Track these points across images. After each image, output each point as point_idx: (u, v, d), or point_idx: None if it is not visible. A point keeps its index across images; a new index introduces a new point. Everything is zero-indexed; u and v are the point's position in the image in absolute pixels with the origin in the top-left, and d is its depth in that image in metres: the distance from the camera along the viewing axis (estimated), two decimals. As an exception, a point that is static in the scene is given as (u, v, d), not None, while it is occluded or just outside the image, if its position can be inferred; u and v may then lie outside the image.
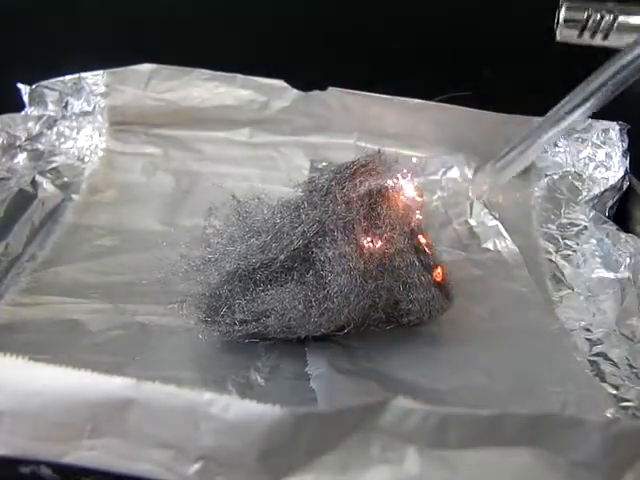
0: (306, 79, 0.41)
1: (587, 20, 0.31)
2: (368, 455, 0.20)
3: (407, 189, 0.30)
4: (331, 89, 0.41)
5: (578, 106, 0.35)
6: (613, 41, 0.32)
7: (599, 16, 0.31)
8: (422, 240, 0.29)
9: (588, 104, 0.34)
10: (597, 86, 0.33)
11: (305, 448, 0.20)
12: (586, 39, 0.32)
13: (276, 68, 0.41)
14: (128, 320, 0.31)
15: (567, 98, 0.35)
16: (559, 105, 0.36)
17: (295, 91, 0.42)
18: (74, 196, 0.40)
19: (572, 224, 0.39)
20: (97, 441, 0.20)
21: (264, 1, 0.45)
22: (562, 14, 0.31)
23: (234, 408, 0.20)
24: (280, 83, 0.42)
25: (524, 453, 0.19)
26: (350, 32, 0.44)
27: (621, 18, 0.31)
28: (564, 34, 0.32)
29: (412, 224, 0.29)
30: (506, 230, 0.38)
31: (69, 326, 0.30)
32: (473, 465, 0.19)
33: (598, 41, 0.32)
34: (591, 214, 0.38)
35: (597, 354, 0.30)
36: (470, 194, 0.39)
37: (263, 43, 0.44)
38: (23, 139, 0.41)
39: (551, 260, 0.37)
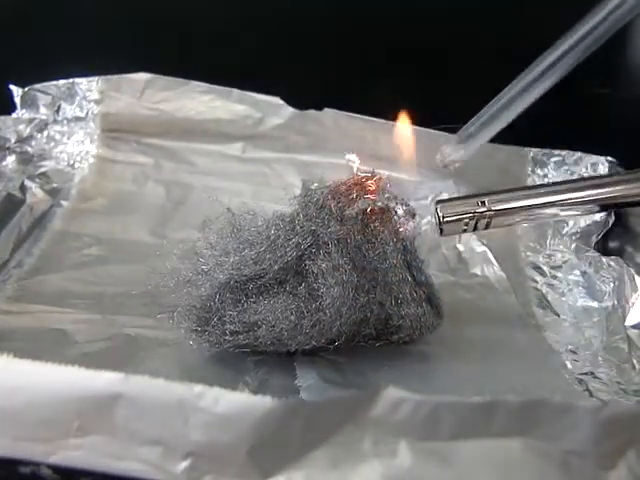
0: (305, 98, 0.42)
1: (466, 224, 0.32)
2: (359, 449, 0.20)
3: (401, 208, 0.31)
4: (327, 110, 0.42)
5: (550, 68, 0.32)
6: (496, 225, 0.33)
7: (475, 219, 0.32)
8: (415, 256, 0.31)
9: (559, 66, 0.32)
10: (569, 46, 0.32)
11: (296, 442, 0.20)
12: (471, 231, 0.33)
13: (275, 85, 0.42)
14: (116, 331, 0.31)
15: (536, 62, 0.33)
16: (528, 69, 0.34)
17: (291, 109, 0.43)
18: (63, 202, 0.40)
19: (557, 255, 0.40)
20: (84, 440, 0.21)
21: (267, 18, 0.46)
22: (440, 225, 0.32)
23: (224, 401, 0.20)
24: (276, 100, 0.43)
25: (516, 444, 0.20)
26: (351, 51, 0.45)
27: (496, 208, 0.32)
28: (447, 233, 0.33)
29: (405, 241, 0.30)
30: (494, 257, 0.39)
31: (55, 336, 0.30)
32: (465, 457, 0.20)
33: (483, 230, 0.33)
34: (573, 246, 0.39)
35: (585, 373, 0.32)
36: (438, 163, 0.39)
37: (263, 59, 0.44)
38: (12, 141, 0.41)
39: (537, 288, 0.38)
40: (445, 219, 0.32)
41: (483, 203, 0.32)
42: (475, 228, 0.33)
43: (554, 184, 0.36)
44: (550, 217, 0.34)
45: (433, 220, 0.33)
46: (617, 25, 0.30)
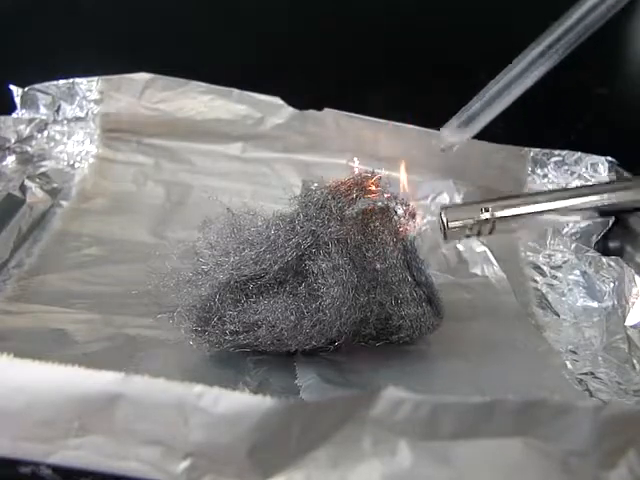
0: (305, 98, 0.42)
1: (470, 229, 0.33)
2: (359, 449, 0.20)
3: (401, 208, 0.31)
4: (327, 110, 0.42)
5: (547, 50, 0.32)
6: (500, 230, 0.34)
7: (479, 225, 0.33)
8: (415, 256, 0.31)
9: (556, 48, 0.32)
10: (564, 30, 0.32)
11: (295, 442, 0.20)
12: (474, 235, 0.34)
13: (275, 85, 0.42)
14: (116, 331, 0.31)
15: (533, 45, 0.33)
16: (525, 51, 0.33)
17: (290, 109, 0.43)
18: (63, 202, 0.40)
19: (557, 255, 0.40)
20: (84, 439, 0.21)
21: (266, 18, 0.46)
22: (445, 231, 0.33)
23: (224, 401, 0.20)
24: (276, 100, 0.43)
25: (516, 444, 0.20)
26: (351, 51, 0.45)
27: (499, 215, 0.33)
28: (451, 238, 0.34)
29: (405, 241, 0.30)
30: (494, 257, 0.39)
31: (55, 336, 0.30)
32: (465, 457, 0.20)
33: (486, 235, 0.34)
34: (573, 245, 0.39)
35: (585, 373, 0.32)
36: (437, 145, 0.38)
37: (263, 59, 0.44)
38: (12, 141, 0.41)
39: (537, 288, 0.38)
40: (450, 225, 0.32)
41: (487, 210, 0.32)
42: (479, 233, 0.33)
43: (556, 191, 0.36)
44: (552, 223, 0.34)
45: (438, 225, 0.33)
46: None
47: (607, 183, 0.40)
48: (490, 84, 0.34)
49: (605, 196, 0.34)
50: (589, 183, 0.41)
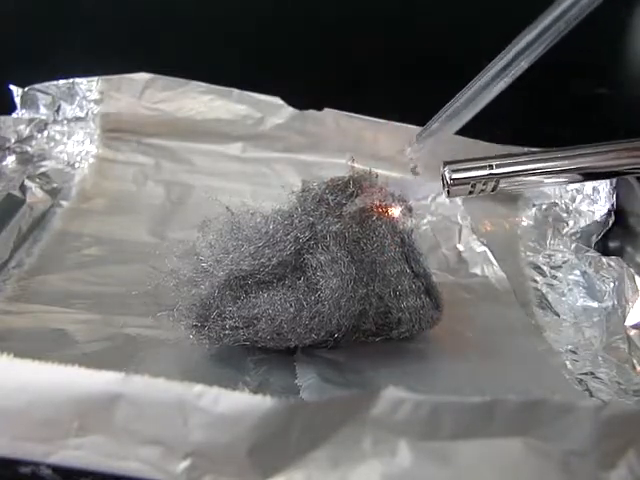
0: (305, 98, 0.42)
1: (473, 186, 0.33)
2: (359, 449, 0.21)
3: (398, 205, 0.31)
4: (327, 110, 0.42)
5: (507, 67, 0.31)
6: (504, 189, 0.33)
7: (482, 183, 0.32)
8: (413, 249, 0.31)
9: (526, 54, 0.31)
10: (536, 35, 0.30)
11: (295, 442, 0.21)
12: (477, 193, 0.33)
13: (275, 85, 0.42)
14: (116, 331, 0.31)
15: (494, 60, 0.32)
16: (486, 68, 0.32)
17: (290, 109, 0.43)
18: (63, 202, 0.40)
19: (557, 255, 0.40)
20: (84, 439, 0.21)
21: (267, 18, 0.46)
22: (447, 187, 0.32)
23: (224, 400, 0.20)
24: (276, 100, 0.43)
25: (516, 444, 0.20)
26: (351, 51, 0.45)
27: (503, 170, 0.32)
28: (453, 195, 0.33)
29: (403, 233, 0.31)
30: (494, 257, 0.39)
31: (55, 336, 0.30)
32: (465, 457, 0.20)
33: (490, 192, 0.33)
34: (573, 245, 0.39)
35: (585, 373, 0.32)
36: (409, 156, 0.37)
37: (263, 60, 0.44)
38: (12, 141, 0.41)
39: (537, 288, 0.38)
40: (453, 177, 0.32)
41: (491, 166, 0.32)
42: (482, 191, 0.33)
43: (562, 150, 0.35)
44: (557, 183, 0.34)
45: (440, 183, 0.32)
46: (579, 15, 0.29)
47: (615, 143, 0.38)
48: (451, 101, 0.34)
49: (624, 161, 0.33)
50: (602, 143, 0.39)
